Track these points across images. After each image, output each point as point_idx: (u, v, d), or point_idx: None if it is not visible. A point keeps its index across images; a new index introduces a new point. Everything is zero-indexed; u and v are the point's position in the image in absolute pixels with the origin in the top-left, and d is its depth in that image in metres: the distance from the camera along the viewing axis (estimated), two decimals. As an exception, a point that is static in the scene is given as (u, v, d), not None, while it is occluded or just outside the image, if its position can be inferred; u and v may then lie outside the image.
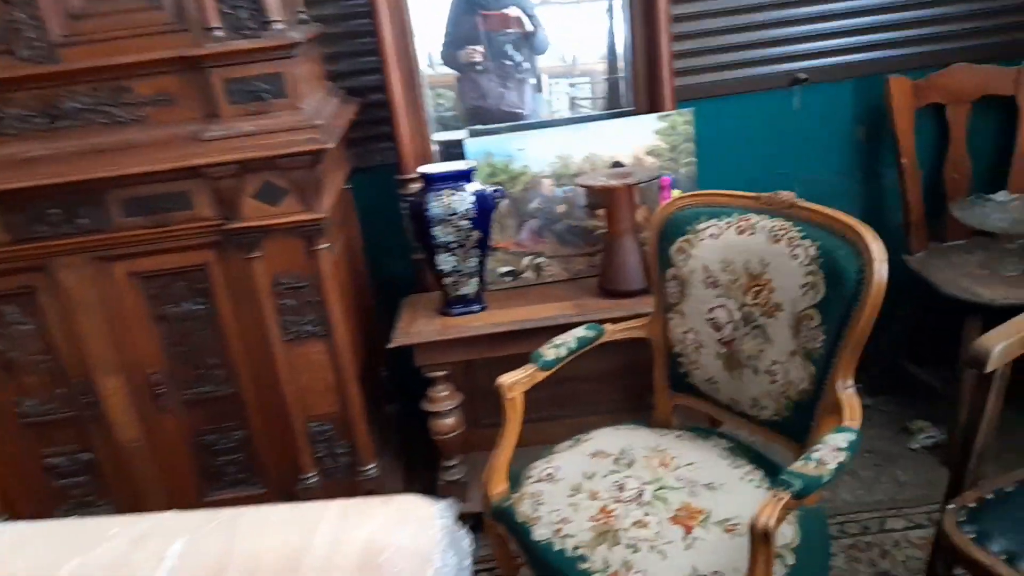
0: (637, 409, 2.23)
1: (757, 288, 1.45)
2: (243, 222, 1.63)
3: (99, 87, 1.63)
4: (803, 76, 2.18)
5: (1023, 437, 2.17)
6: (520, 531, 1.44)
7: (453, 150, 2.20)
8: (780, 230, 1.42)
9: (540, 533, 1.40)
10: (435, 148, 2.16)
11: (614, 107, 2.23)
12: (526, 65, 2.24)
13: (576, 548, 1.33)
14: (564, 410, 2.23)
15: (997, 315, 1.92)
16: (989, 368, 1.17)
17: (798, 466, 1.14)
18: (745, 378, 1.49)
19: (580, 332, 1.64)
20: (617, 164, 2.04)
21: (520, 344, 1.88)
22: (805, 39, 2.17)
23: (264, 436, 1.85)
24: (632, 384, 2.22)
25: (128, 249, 1.67)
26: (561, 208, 2.07)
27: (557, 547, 1.35)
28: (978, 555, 1.16)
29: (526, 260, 2.09)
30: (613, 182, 1.82)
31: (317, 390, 1.79)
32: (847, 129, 2.28)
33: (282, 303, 1.71)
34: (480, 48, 2.19)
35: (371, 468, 1.91)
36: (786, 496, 1.10)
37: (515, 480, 1.56)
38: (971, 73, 2.14)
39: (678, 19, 2.10)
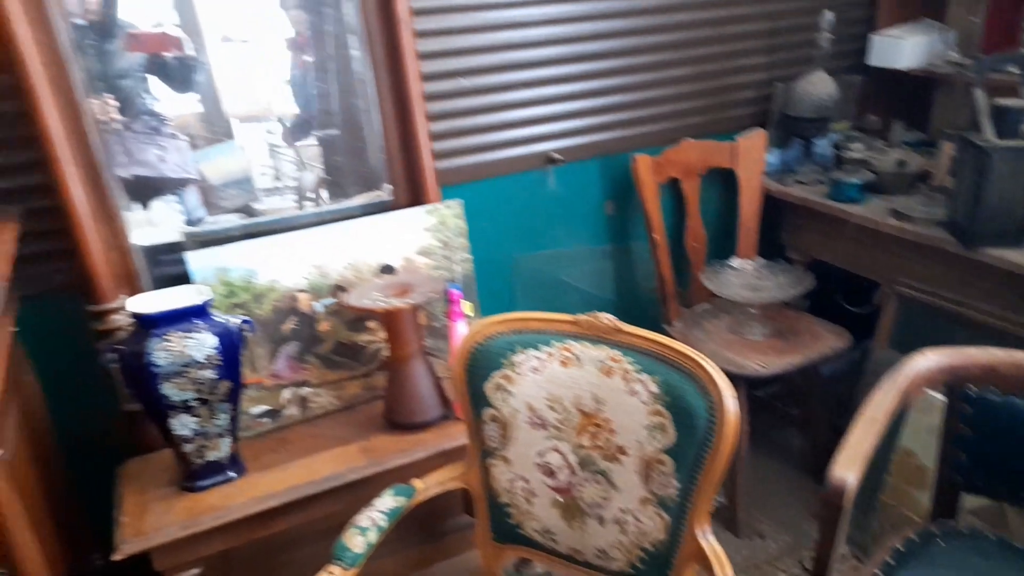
0: (435, 537, 1.95)
1: (594, 429, 1.28)
2: None
3: None
4: (557, 156, 2.12)
5: (770, 476, 2.37)
6: None
7: (165, 256, 1.71)
8: (611, 361, 1.27)
9: None
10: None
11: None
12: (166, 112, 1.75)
13: None
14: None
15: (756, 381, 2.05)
16: (847, 503, 1.14)
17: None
18: (589, 528, 1.31)
19: (388, 503, 1.32)
20: (387, 268, 1.75)
21: (299, 515, 1.49)
22: (553, 119, 2.11)
23: None
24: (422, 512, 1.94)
25: None
26: (325, 326, 1.71)
27: None
28: None
29: (286, 394, 1.69)
30: (395, 302, 1.53)
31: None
32: (598, 205, 2.27)
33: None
34: (112, 99, 1.61)
35: None
36: None
37: None
38: (696, 148, 2.27)
39: (428, 98, 1.88)
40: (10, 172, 1.53)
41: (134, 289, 1.61)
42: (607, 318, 1.31)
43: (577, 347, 1.32)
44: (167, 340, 1.38)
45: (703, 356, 1.20)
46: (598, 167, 2.23)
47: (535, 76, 2.04)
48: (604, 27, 2.09)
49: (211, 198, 1.81)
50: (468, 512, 1.95)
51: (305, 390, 1.70)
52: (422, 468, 1.49)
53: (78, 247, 1.53)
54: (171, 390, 1.38)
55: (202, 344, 1.39)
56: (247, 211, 1.85)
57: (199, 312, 1.42)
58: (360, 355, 1.75)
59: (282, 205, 1.89)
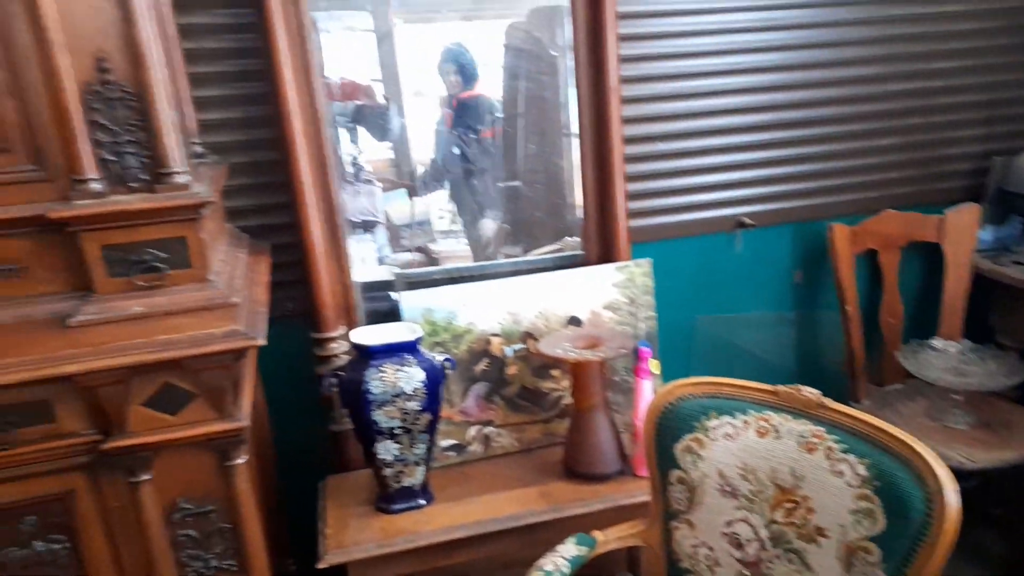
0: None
1: (790, 505, 1.25)
2: (129, 438, 1.20)
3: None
4: (748, 221, 2.10)
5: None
6: None
7: (373, 294, 1.89)
8: (813, 438, 1.24)
9: None
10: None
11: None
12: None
13: None
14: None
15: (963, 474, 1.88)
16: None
17: None
18: (777, 609, 1.27)
19: (571, 550, 1.35)
20: (574, 320, 1.82)
21: (478, 549, 1.56)
22: (747, 184, 2.10)
23: None
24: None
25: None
26: (512, 370, 1.79)
27: None
28: None
29: (472, 431, 1.78)
30: (586, 354, 1.58)
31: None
32: (785, 272, 2.22)
33: (181, 535, 1.28)
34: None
35: None
36: None
37: None
38: (899, 220, 2.17)
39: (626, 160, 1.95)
40: (265, 212, 1.76)
41: (351, 321, 1.79)
42: (810, 392, 1.28)
43: (776, 418, 1.29)
44: (382, 371, 1.51)
45: (920, 443, 1.14)
46: (789, 233, 2.19)
47: (732, 142, 2.06)
48: (805, 96, 2.08)
49: (393, 237, 2.00)
50: (631, 570, 1.94)
51: (489, 429, 1.79)
52: (599, 520, 1.51)
53: (311, 280, 1.73)
54: (381, 417, 1.51)
55: (411, 377, 1.52)
56: (424, 251, 2.02)
57: (411, 347, 1.54)
58: (543, 401, 1.82)
59: (457, 248, 2.05)
